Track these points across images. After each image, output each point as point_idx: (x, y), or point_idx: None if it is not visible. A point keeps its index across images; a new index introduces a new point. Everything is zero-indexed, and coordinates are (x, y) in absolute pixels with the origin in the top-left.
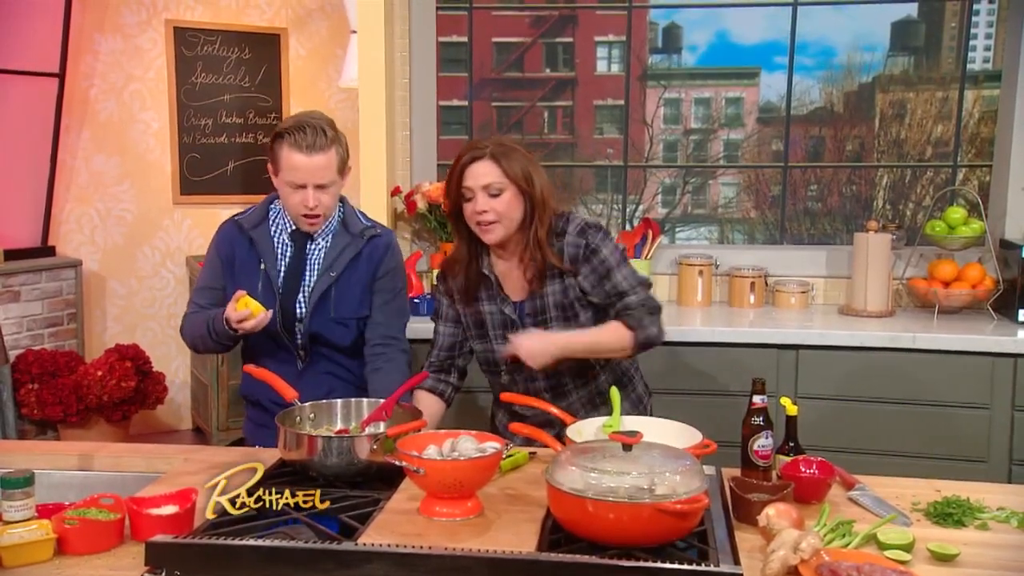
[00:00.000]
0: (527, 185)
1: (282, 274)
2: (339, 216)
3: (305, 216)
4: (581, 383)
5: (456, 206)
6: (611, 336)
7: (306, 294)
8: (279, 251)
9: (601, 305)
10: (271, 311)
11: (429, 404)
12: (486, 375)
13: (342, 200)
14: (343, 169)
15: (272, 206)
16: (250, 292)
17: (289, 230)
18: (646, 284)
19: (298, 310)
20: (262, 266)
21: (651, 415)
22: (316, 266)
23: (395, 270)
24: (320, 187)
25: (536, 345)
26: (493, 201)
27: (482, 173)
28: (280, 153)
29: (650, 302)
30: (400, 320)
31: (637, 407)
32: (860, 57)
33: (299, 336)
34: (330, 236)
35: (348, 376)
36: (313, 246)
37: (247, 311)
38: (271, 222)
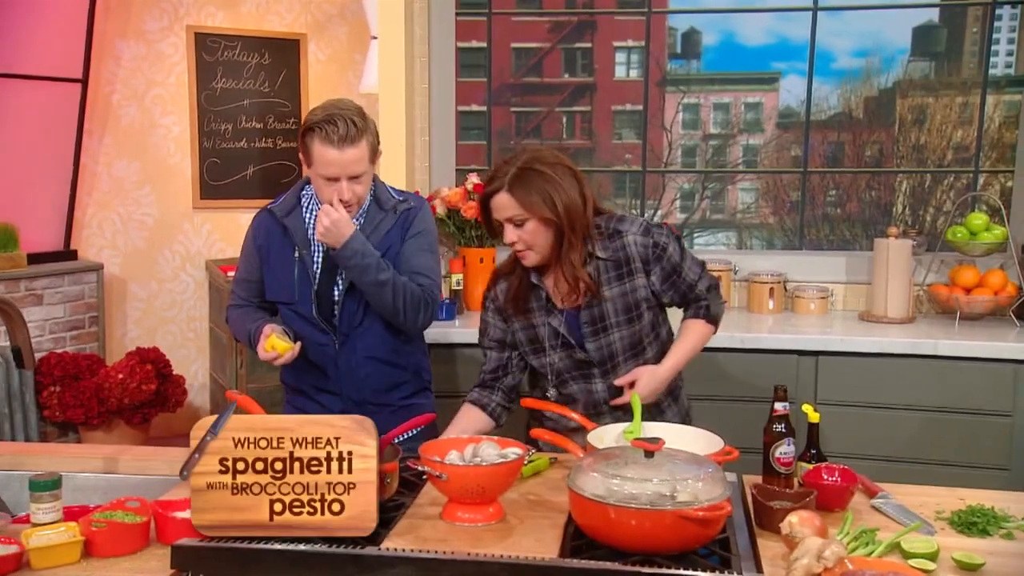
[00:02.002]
0: (550, 211)
1: (318, 260)
2: (371, 193)
3: (344, 205)
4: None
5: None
6: (698, 338)
7: (344, 276)
8: (313, 237)
9: (668, 304)
10: (298, 345)
11: (475, 418)
12: (532, 389)
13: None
14: (374, 157)
15: (304, 192)
16: (286, 281)
17: None
18: (702, 264)
19: (336, 293)
20: (296, 254)
21: (692, 423)
22: None
23: (426, 231)
24: (353, 178)
25: (652, 384)
26: (519, 231)
27: (502, 206)
28: (311, 146)
29: (711, 281)
30: (427, 259)
31: (684, 418)
32: (879, 63)
33: (337, 319)
34: (363, 214)
35: (386, 356)
36: None
37: (275, 352)
38: (304, 208)
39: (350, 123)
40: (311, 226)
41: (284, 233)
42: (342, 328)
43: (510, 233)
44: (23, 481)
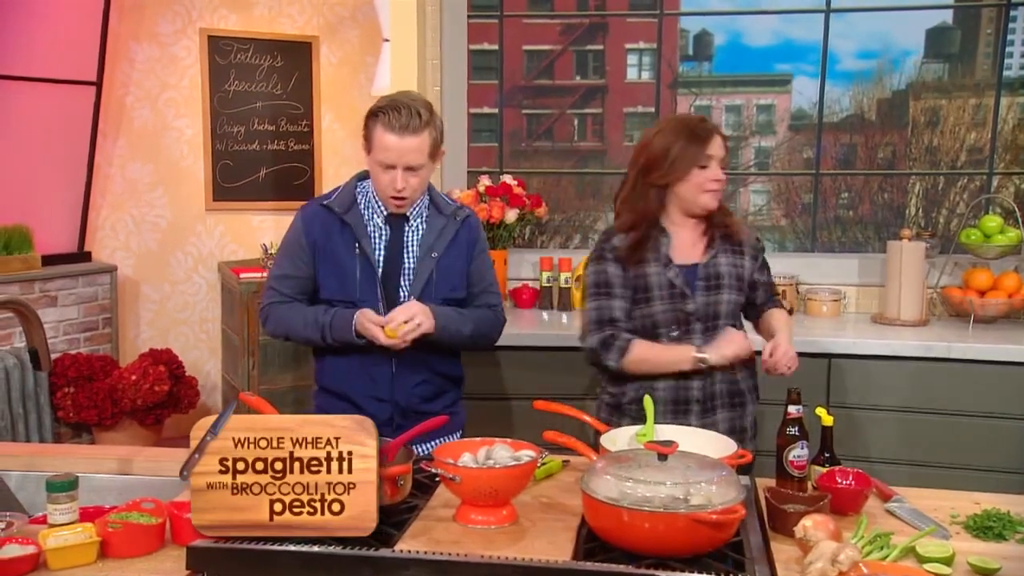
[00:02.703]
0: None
1: (381, 258)
2: (428, 197)
3: (393, 198)
4: (727, 382)
5: (664, 167)
6: (791, 324)
7: (409, 278)
8: (374, 234)
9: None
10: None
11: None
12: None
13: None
14: (435, 153)
15: (359, 189)
16: (347, 280)
17: (384, 213)
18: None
19: (401, 295)
20: (357, 250)
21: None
22: (414, 249)
23: (486, 247)
24: (410, 169)
25: (791, 352)
26: (720, 171)
27: (719, 145)
28: (373, 132)
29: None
30: (493, 275)
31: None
32: (884, 65)
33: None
34: (423, 218)
35: (439, 363)
36: (409, 229)
37: (396, 340)
38: (361, 206)
39: (414, 113)
40: (371, 223)
41: (342, 229)
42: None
43: (715, 170)
44: (39, 482)
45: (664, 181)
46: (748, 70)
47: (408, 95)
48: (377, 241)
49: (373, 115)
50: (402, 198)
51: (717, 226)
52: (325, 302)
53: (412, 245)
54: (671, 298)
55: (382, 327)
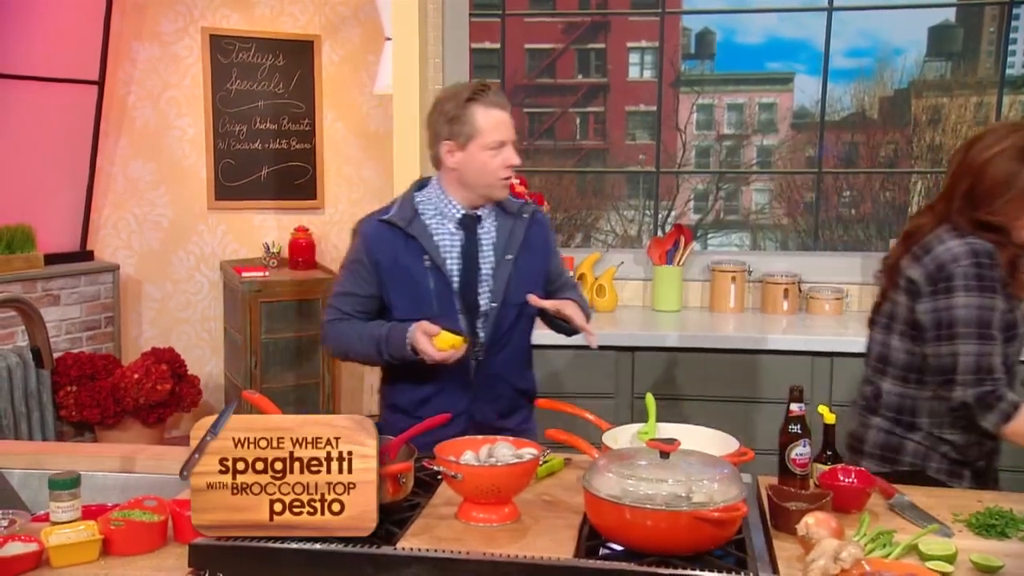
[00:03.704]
0: None
1: (456, 267)
2: None
3: (505, 179)
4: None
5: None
6: None
7: (488, 284)
8: (445, 243)
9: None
10: (478, 335)
11: None
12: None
13: None
14: None
15: (419, 199)
16: (421, 295)
17: (457, 216)
18: None
19: (482, 302)
20: (427, 262)
21: None
22: (488, 252)
23: (554, 238)
24: (513, 144)
25: None
26: None
27: None
28: (473, 117)
29: None
30: (563, 263)
31: None
32: (875, 63)
33: (480, 332)
34: (493, 218)
35: (519, 376)
36: (482, 231)
37: (453, 351)
38: (426, 216)
39: (500, 91)
40: (440, 230)
41: (407, 243)
42: (485, 343)
43: None
44: (42, 480)
45: (999, 219)
46: (741, 68)
47: (465, 83)
48: (449, 250)
49: (469, 101)
50: (511, 177)
51: None
52: (400, 321)
53: (487, 248)
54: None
55: (432, 337)
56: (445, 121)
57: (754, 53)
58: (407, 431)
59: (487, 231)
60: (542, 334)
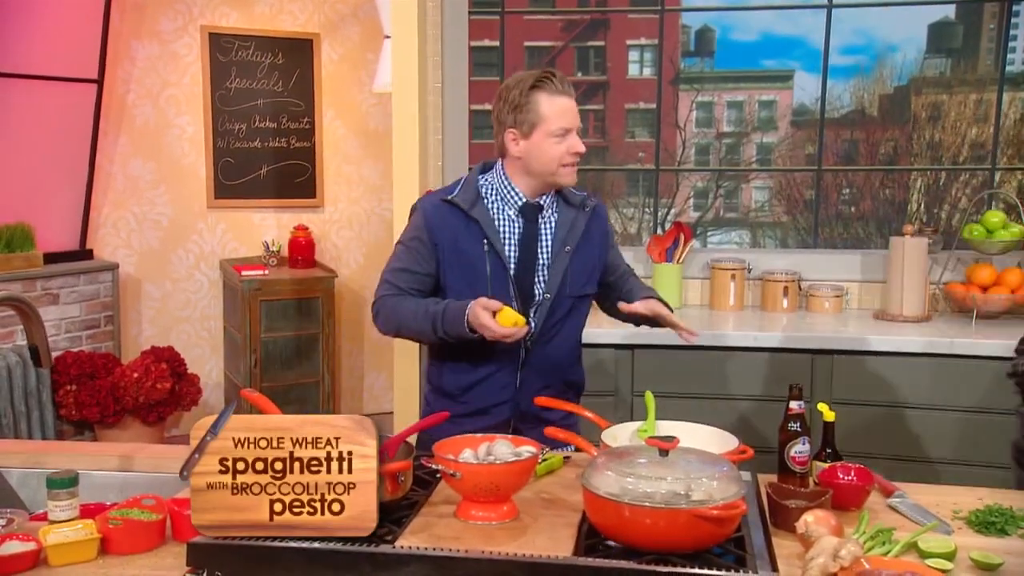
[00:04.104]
0: None
1: (514, 254)
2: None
3: (570, 166)
4: None
5: None
6: None
7: (544, 275)
8: (505, 229)
9: None
10: (531, 323)
11: None
12: None
13: None
14: None
15: (482, 182)
16: (477, 278)
17: (519, 204)
18: None
19: (536, 291)
20: (486, 246)
21: None
22: (547, 243)
23: (612, 232)
24: (578, 131)
25: None
26: None
27: None
28: (538, 105)
29: None
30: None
31: None
32: (892, 58)
33: (532, 322)
34: (555, 208)
35: (567, 366)
36: (543, 220)
37: (516, 329)
38: (488, 200)
39: (564, 77)
40: (500, 216)
41: (468, 225)
42: (536, 332)
43: None
44: (40, 479)
45: None
46: (738, 66)
47: (539, 69)
48: (508, 236)
49: (534, 88)
50: (576, 165)
51: None
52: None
53: (546, 238)
54: None
55: (494, 313)
56: (509, 110)
57: (750, 50)
58: (408, 429)
59: (548, 221)
60: None
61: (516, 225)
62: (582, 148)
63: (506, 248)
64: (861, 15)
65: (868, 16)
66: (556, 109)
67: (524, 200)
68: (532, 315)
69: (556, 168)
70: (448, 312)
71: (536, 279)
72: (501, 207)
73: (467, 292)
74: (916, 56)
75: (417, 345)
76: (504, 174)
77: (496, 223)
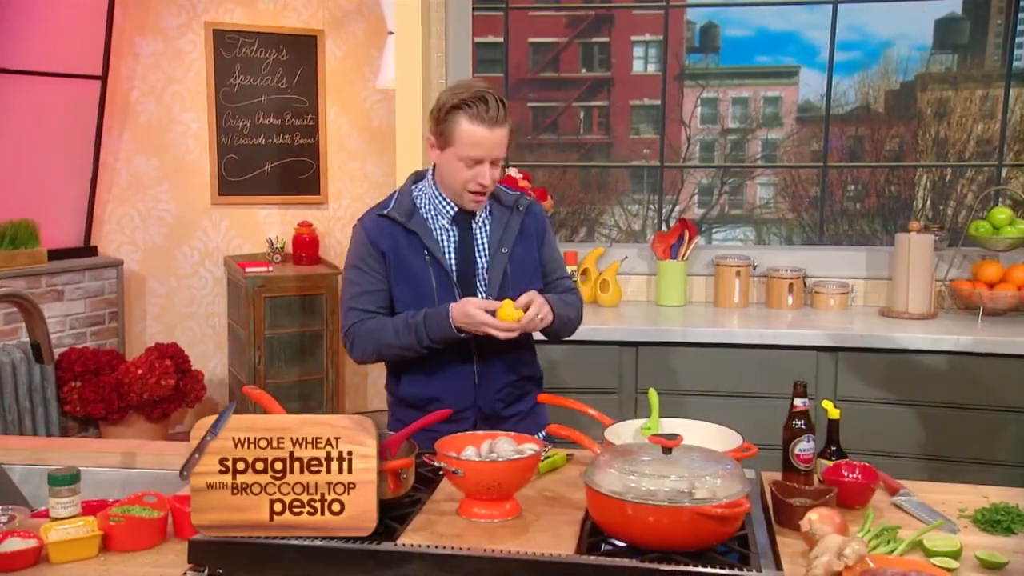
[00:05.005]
0: None
1: (454, 262)
2: None
3: (474, 193)
4: None
5: None
6: None
7: (484, 278)
8: (442, 238)
9: None
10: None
11: None
12: None
13: None
14: (511, 142)
15: (415, 192)
16: (422, 289)
17: (451, 214)
18: None
19: (479, 295)
20: (427, 257)
21: None
22: (484, 246)
23: (551, 231)
24: (494, 162)
25: None
26: None
27: None
28: (456, 126)
29: None
30: (563, 260)
31: None
32: (899, 54)
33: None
34: (488, 211)
35: (521, 364)
36: (477, 226)
37: (519, 323)
38: (423, 210)
39: (499, 103)
40: (436, 225)
41: (408, 238)
42: (484, 337)
43: None
44: (43, 476)
45: None
46: (740, 62)
47: (484, 85)
48: (446, 244)
49: (456, 108)
50: (484, 193)
51: None
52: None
53: (482, 241)
54: None
55: (492, 312)
56: (435, 115)
57: (746, 46)
58: (409, 426)
59: (482, 224)
60: None
61: (451, 233)
62: (487, 181)
63: (446, 256)
64: (858, 11)
65: (879, 11)
66: (471, 138)
67: (455, 210)
68: None
69: (461, 191)
70: (429, 318)
71: (478, 283)
72: (436, 217)
73: (414, 303)
74: (922, 52)
75: None
76: (434, 184)
77: (434, 232)
